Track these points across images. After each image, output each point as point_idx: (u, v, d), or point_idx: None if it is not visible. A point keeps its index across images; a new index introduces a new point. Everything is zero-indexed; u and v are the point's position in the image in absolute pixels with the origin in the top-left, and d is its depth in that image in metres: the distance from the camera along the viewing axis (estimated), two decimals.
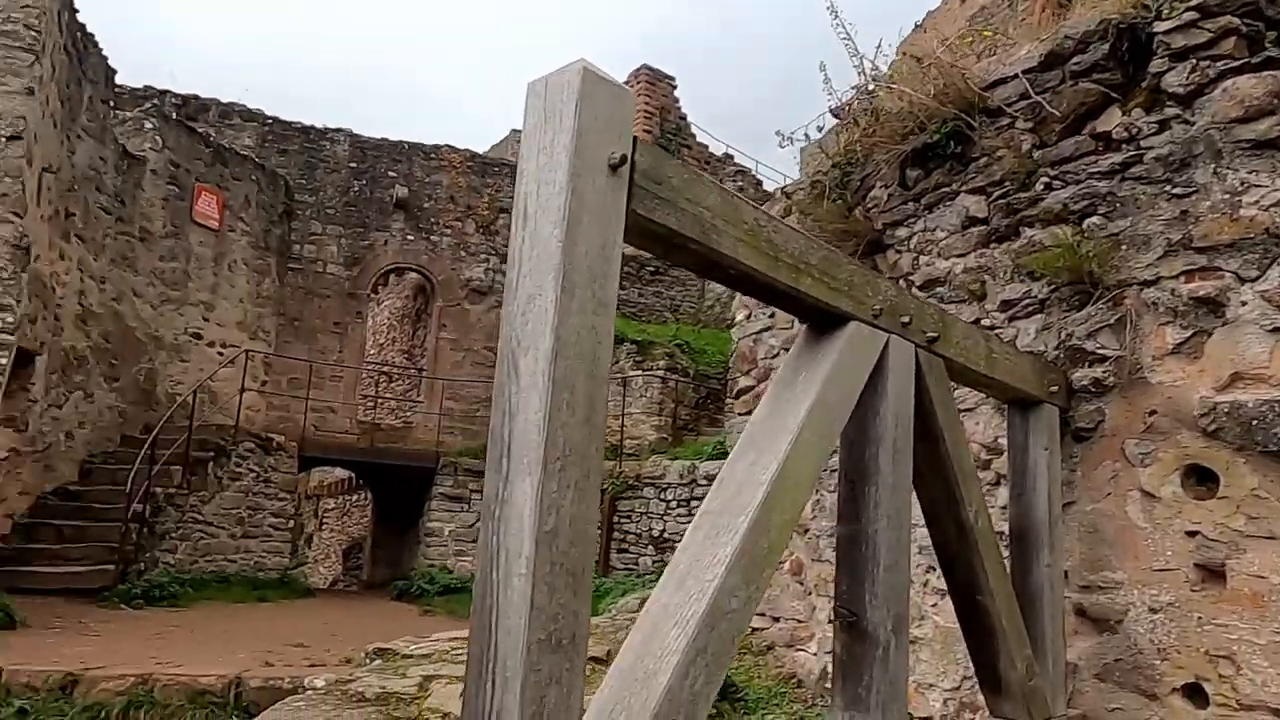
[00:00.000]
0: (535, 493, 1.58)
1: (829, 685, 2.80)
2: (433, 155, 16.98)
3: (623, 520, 13.13)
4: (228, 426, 12.95)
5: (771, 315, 5.32)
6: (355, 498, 22.05)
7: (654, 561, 12.41)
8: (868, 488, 2.45)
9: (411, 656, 4.76)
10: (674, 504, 12.32)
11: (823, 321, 2.41)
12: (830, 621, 2.95)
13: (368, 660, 4.94)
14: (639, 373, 15.43)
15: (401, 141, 16.91)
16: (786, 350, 4.30)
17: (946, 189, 3.96)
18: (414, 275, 18.97)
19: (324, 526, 23.38)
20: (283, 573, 13.16)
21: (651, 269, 22.79)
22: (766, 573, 2.07)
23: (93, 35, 11.39)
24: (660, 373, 15.24)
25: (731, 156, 31.30)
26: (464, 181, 17.17)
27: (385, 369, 18.98)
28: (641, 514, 12.87)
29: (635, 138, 1.85)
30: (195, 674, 6.14)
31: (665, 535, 12.29)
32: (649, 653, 1.85)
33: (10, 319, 8.10)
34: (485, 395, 16.87)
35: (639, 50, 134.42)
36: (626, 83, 24.46)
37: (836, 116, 4.53)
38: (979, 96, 3.75)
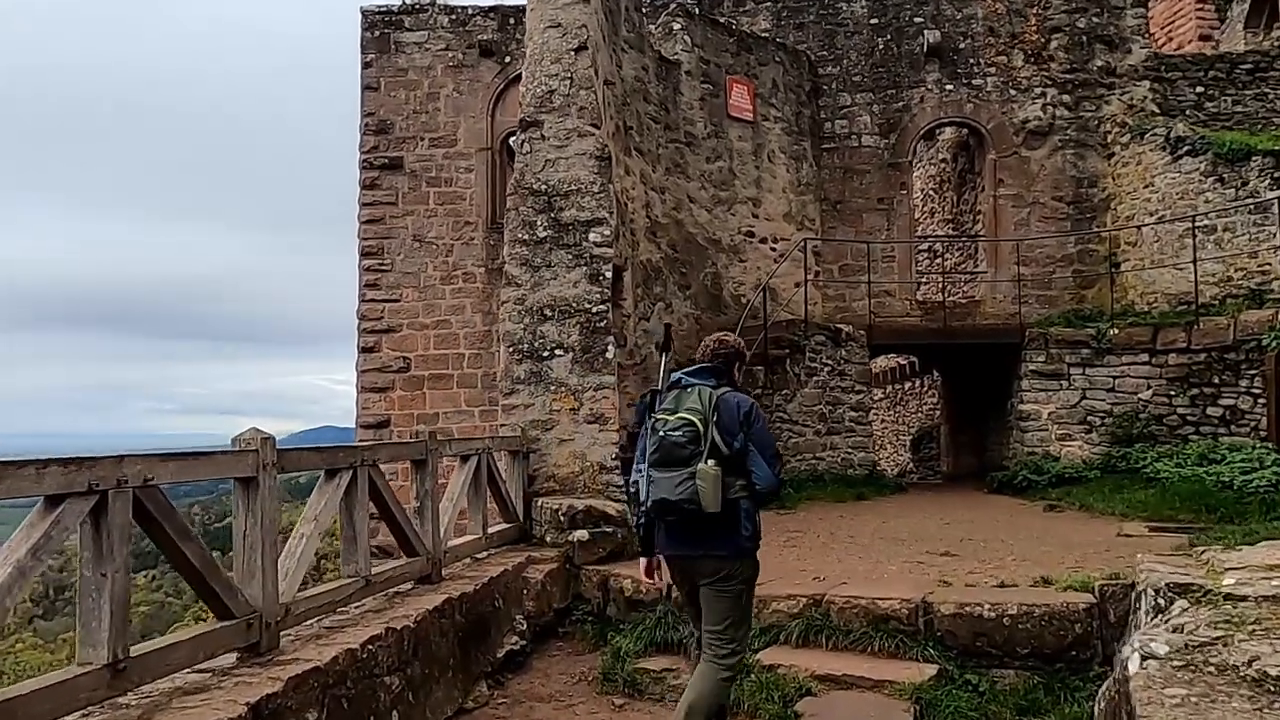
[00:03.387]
0: None
1: None
2: None
3: None
4: (795, 322, 12.44)
5: None
6: (909, 385, 20.97)
7: None
8: None
9: (1247, 599, 3.17)
10: None
11: None
12: None
13: (1163, 600, 3.46)
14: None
15: None
16: None
17: None
18: (949, 134, 16.91)
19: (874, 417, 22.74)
20: (871, 468, 12.44)
21: (1248, 67, 17.85)
22: None
23: None
24: None
25: None
26: (1002, 6, 14.56)
27: (944, 240, 17.29)
28: None
29: None
30: (873, 596, 5.27)
31: None
32: None
33: (606, 231, 8.04)
34: (1060, 255, 14.43)
35: None
36: None
37: None
38: None
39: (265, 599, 3.99)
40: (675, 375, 4.19)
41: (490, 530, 6.89)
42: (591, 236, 8.05)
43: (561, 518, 7.07)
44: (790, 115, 14.17)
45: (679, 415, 3.91)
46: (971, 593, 5.29)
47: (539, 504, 7.37)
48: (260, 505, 4.01)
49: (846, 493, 11.20)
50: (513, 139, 14.21)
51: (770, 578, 6.12)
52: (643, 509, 4.03)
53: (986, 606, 4.99)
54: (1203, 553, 4.50)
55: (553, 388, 7.77)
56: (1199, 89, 17.48)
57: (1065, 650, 4.83)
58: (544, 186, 8.20)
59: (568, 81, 8.34)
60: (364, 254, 14.92)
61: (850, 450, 12.34)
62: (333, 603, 4.63)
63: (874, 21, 14.78)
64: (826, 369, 12.22)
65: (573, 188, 8.16)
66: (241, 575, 3.97)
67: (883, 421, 22.75)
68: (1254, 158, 12.39)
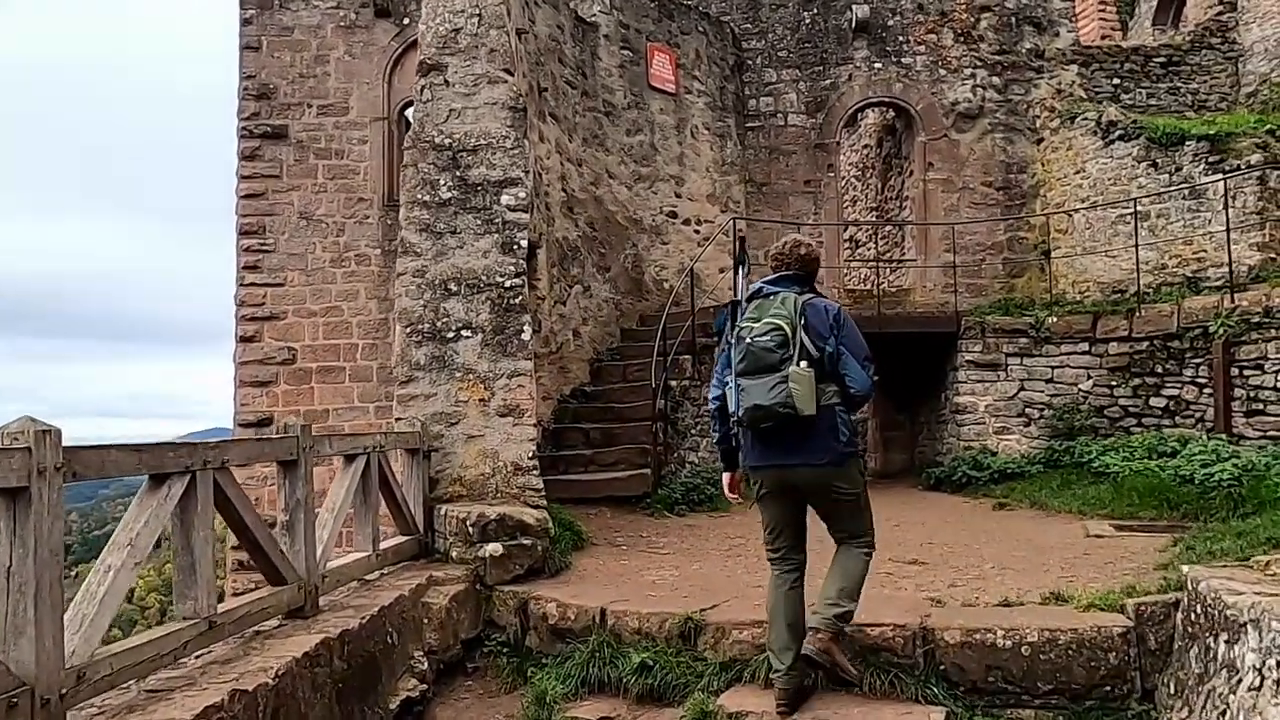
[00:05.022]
0: None
1: None
2: None
3: (1248, 372, 9.62)
4: (722, 307, 11.49)
5: None
6: None
7: None
8: None
9: None
10: None
11: None
12: None
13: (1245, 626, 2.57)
14: (1218, 177, 11.43)
15: None
16: None
17: None
18: (873, 119, 16.31)
19: None
20: None
21: (1161, 61, 17.81)
22: None
23: None
24: (1257, 170, 11.11)
25: None
26: None
27: (876, 225, 16.64)
28: None
29: None
30: (858, 622, 4.29)
31: None
32: None
33: (522, 194, 6.89)
34: (990, 242, 13.94)
35: None
36: None
37: None
38: None
39: (43, 663, 2.76)
40: (755, 285, 4.09)
41: (383, 546, 5.70)
42: (504, 199, 6.91)
43: (470, 528, 5.91)
44: (714, 89, 13.26)
45: (765, 321, 3.85)
46: (976, 615, 4.37)
47: (442, 512, 6.19)
48: (35, 529, 2.77)
49: None
50: (411, 110, 12.91)
51: (723, 598, 5.15)
52: (733, 419, 3.95)
53: (1000, 633, 4.08)
54: (1267, 564, 3.69)
55: (459, 375, 6.59)
56: (1115, 80, 17.30)
57: (1097, 685, 3.96)
58: (448, 140, 7.01)
59: (475, 19, 7.17)
60: (243, 232, 13.36)
61: None
62: (157, 657, 3.39)
63: None
64: None
65: (482, 142, 6.99)
66: (5, 632, 2.72)
67: None
68: (1188, 142, 12.08)
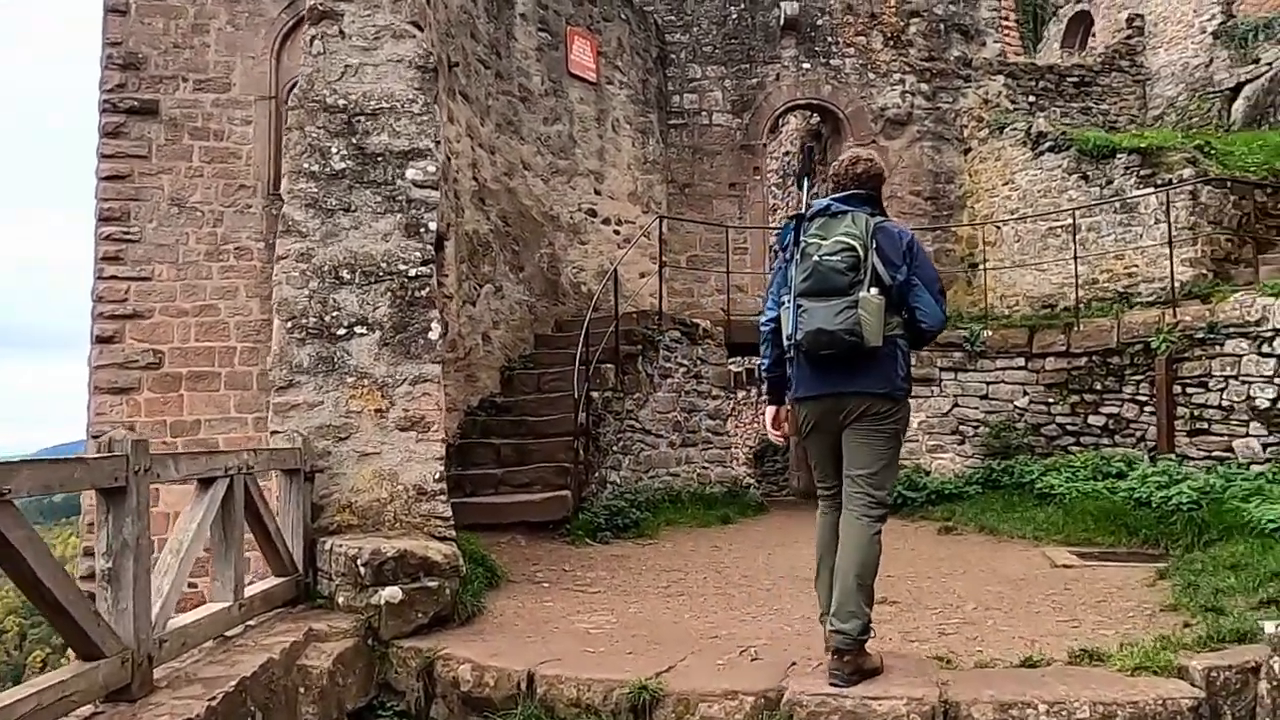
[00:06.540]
0: None
1: None
2: None
3: (1191, 389, 9.26)
4: (648, 314, 10.60)
5: None
6: (742, 395, 19.73)
7: (1265, 445, 8.50)
8: None
9: None
10: None
11: None
12: None
13: None
14: (1151, 190, 11.19)
15: None
16: None
17: None
18: (796, 123, 15.79)
19: None
20: (732, 484, 10.77)
21: (1074, 80, 17.86)
22: None
23: None
24: (1190, 184, 10.88)
25: None
26: None
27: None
28: (1226, 377, 8.93)
29: None
30: (862, 695, 3.41)
31: None
32: None
33: (431, 168, 5.84)
34: None
35: None
36: None
37: None
38: None
39: None
40: (822, 201, 3.74)
41: (250, 592, 4.54)
42: (410, 173, 5.84)
43: (361, 568, 4.80)
44: (637, 82, 12.41)
45: (835, 239, 3.57)
46: (1003, 683, 3.53)
47: (328, 546, 5.06)
48: None
49: (709, 515, 9.47)
50: None
51: (678, 654, 4.22)
52: (790, 343, 3.67)
53: (1043, 708, 3.25)
54: None
55: (351, 380, 5.48)
56: (1031, 97, 17.23)
57: None
58: (342, 101, 5.90)
59: None
60: (103, 219, 11.76)
61: (707, 464, 10.65)
62: None
63: None
64: (682, 370, 10.47)
65: (384, 105, 5.91)
66: None
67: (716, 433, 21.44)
68: (1119, 155, 11.82)
